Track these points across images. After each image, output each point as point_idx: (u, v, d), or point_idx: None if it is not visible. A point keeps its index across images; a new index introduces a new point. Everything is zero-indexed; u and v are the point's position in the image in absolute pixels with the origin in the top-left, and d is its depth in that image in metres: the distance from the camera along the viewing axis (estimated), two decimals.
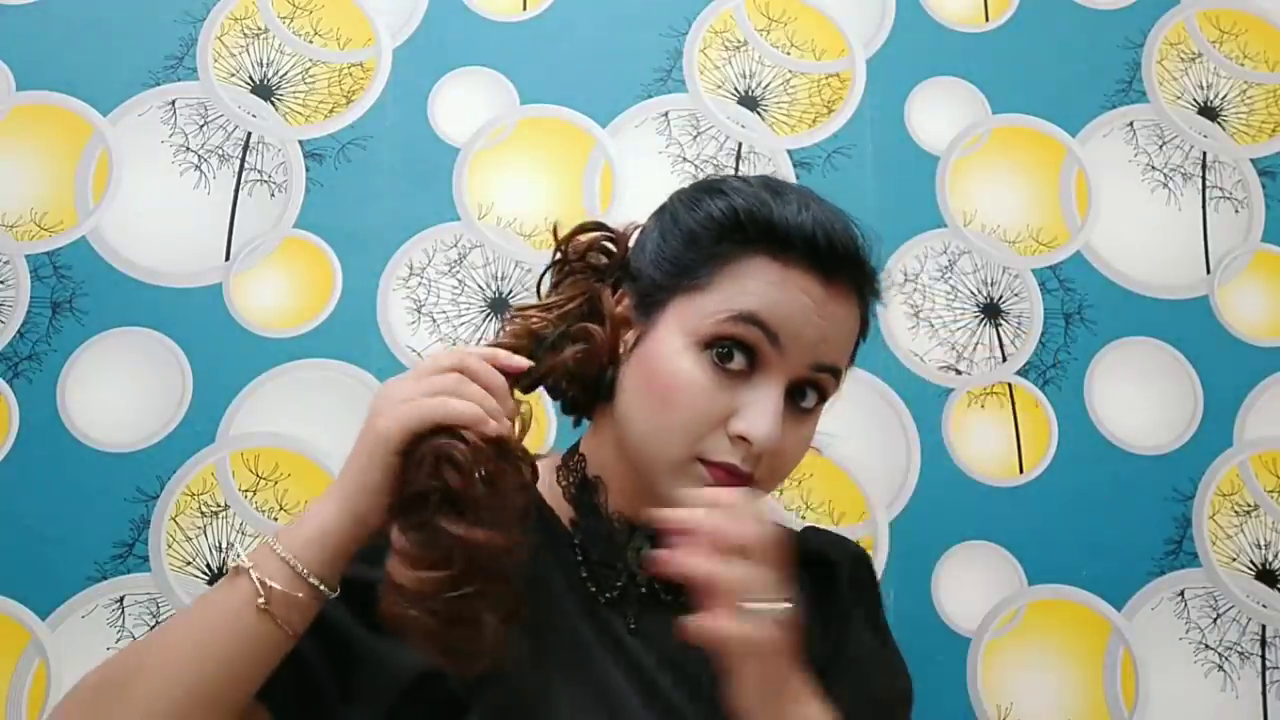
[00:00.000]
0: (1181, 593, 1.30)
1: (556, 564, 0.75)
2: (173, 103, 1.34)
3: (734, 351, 0.69)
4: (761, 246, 0.70)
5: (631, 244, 0.78)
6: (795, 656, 0.64)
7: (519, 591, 0.64)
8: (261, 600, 0.61)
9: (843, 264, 0.71)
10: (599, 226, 0.78)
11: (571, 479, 0.78)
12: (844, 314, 0.72)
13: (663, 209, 0.78)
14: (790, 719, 0.63)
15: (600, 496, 0.76)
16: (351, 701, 0.68)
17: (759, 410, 0.68)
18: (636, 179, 1.37)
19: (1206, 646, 1.29)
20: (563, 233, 0.78)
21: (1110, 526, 1.30)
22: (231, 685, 0.62)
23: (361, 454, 0.64)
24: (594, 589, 0.75)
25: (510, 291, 1.33)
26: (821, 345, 0.70)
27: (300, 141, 1.35)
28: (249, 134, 1.35)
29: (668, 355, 0.69)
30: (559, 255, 0.78)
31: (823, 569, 0.84)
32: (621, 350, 0.74)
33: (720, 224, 0.71)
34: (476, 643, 0.61)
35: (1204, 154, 1.42)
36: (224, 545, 1.23)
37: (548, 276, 0.79)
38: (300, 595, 0.62)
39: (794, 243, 0.69)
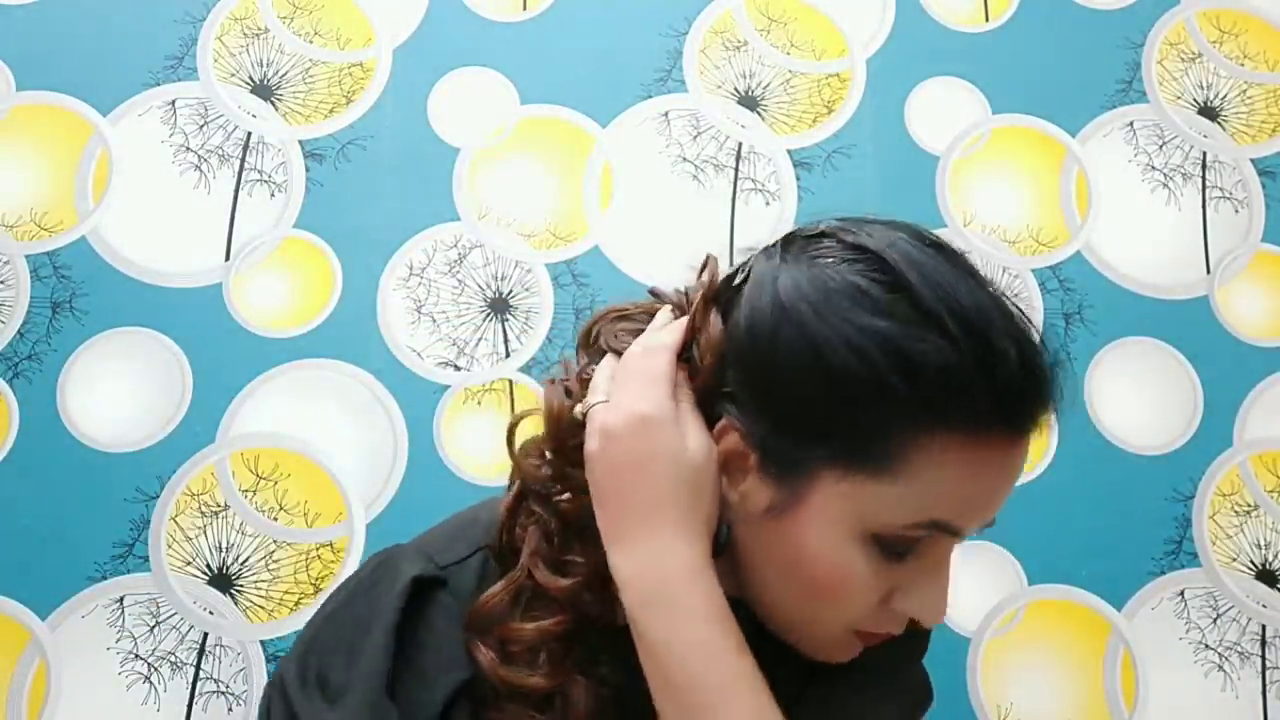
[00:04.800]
0: (1181, 593, 1.30)
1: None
2: (173, 103, 1.34)
3: (912, 548, 0.54)
4: (962, 429, 0.52)
5: (724, 332, 0.57)
6: None
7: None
8: None
9: (1043, 415, 0.57)
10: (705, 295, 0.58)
11: None
12: (1023, 458, 0.57)
13: (782, 310, 0.54)
14: None
15: None
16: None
17: (933, 593, 0.55)
18: (636, 179, 1.37)
19: (1206, 646, 1.29)
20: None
21: (1110, 526, 1.29)
22: None
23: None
24: None
25: (510, 291, 1.33)
26: (998, 506, 0.56)
27: (300, 141, 1.34)
28: (249, 134, 1.34)
29: (827, 550, 0.53)
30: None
31: None
32: (730, 499, 0.57)
33: (906, 401, 0.51)
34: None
35: (1204, 154, 1.42)
36: (224, 545, 1.23)
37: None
38: None
39: (1005, 417, 0.53)
